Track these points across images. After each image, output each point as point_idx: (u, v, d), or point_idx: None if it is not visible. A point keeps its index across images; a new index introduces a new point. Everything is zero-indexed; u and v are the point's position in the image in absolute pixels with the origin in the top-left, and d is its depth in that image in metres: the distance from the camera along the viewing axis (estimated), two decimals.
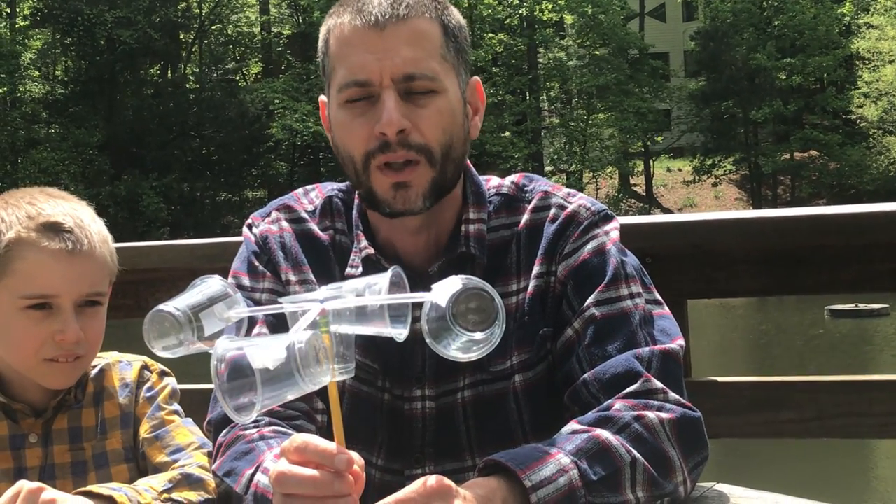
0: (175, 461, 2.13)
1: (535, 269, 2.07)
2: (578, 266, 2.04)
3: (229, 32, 52.52)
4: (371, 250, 2.08)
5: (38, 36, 48.90)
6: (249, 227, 2.22)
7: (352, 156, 2.01)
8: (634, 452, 1.77)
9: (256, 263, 2.16)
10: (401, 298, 1.52)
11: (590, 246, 2.05)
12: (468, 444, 2.07)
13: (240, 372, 1.41)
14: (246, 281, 2.14)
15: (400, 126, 1.94)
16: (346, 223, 2.17)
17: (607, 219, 2.10)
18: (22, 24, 47.66)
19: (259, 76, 52.34)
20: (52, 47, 49.97)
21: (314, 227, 2.17)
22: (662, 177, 53.74)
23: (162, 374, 2.31)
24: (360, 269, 2.07)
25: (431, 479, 1.54)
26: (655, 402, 1.87)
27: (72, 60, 50.22)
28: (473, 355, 1.46)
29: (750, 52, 49.05)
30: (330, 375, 1.46)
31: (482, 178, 2.19)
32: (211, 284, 1.64)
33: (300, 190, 2.27)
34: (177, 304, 1.57)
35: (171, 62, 51.43)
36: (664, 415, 1.85)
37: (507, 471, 1.67)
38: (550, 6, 48.55)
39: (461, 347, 1.46)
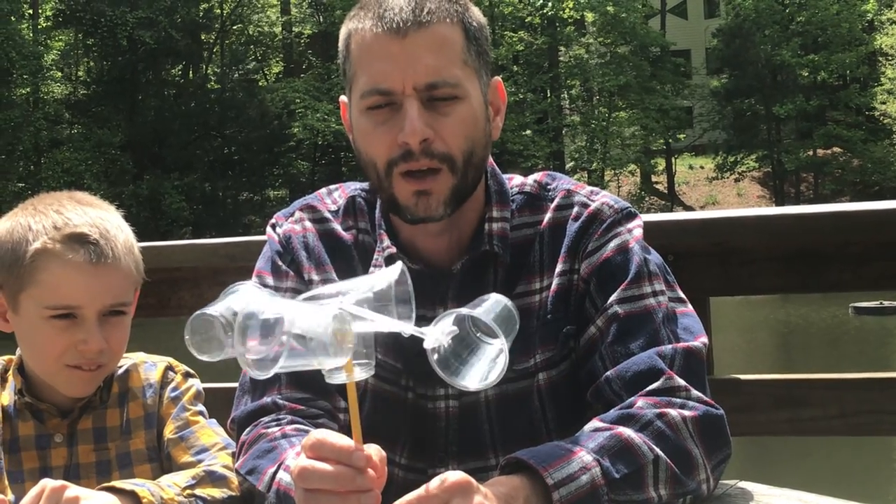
0: (200, 461, 2.14)
1: (559, 267, 2.07)
2: (601, 264, 2.04)
3: (250, 32, 52.59)
4: (394, 249, 2.08)
5: (61, 37, 49.11)
6: (273, 227, 2.23)
7: (374, 162, 2.01)
8: (657, 450, 1.77)
9: (280, 263, 2.16)
10: (405, 328, 1.57)
11: (613, 244, 2.05)
12: (491, 442, 2.07)
13: (269, 330, 1.45)
14: (270, 280, 2.15)
15: (423, 136, 1.93)
16: (368, 223, 2.17)
17: (630, 216, 2.10)
18: (44, 24, 47.89)
19: (280, 76, 52.42)
20: (74, 48, 50.16)
21: (337, 226, 2.18)
22: (684, 174, 53.54)
23: (186, 375, 2.32)
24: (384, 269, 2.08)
25: (453, 476, 1.54)
26: (678, 400, 1.87)
27: (94, 61, 50.40)
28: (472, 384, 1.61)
29: (773, 49, 48.84)
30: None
31: (505, 176, 2.19)
32: (250, 293, 1.64)
33: (324, 190, 2.28)
34: (222, 311, 1.57)
35: (192, 62, 51.53)
36: (686, 412, 1.84)
37: (529, 468, 1.67)
38: (572, 4, 48.45)
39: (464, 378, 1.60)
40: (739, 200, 50.56)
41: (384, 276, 1.57)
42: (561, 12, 48.75)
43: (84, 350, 2.13)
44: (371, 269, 2.10)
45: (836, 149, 50.41)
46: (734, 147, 51.63)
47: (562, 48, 51.62)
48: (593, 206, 2.10)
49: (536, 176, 2.20)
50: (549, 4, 48.43)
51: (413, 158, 1.95)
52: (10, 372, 2.27)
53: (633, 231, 2.08)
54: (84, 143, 45.31)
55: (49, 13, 48.20)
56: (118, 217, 2.26)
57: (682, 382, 1.89)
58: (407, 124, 1.93)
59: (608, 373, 1.95)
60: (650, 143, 51.09)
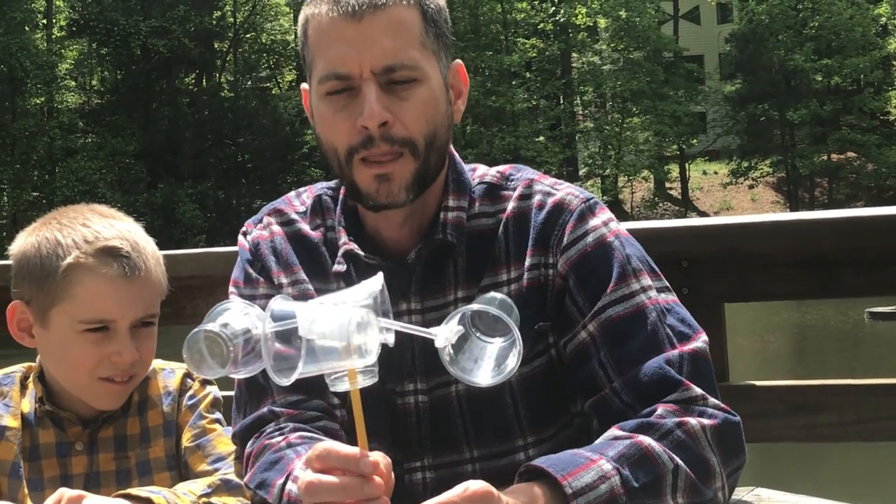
0: (216, 470, 2.14)
1: (529, 260, 2.04)
2: (580, 260, 2.01)
3: (263, 41, 52.75)
4: (350, 245, 2.06)
5: (74, 46, 49.32)
6: (244, 234, 2.21)
7: (335, 149, 1.99)
8: (677, 459, 1.76)
9: (250, 271, 2.15)
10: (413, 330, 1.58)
11: (590, 239, 2.01)
12: (465, 436, 2.04)
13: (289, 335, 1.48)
14: (244, 289, 2.14)
15: (382, 119, 1.91)
16: (335, 220, 2.16)
17: (597, 206, 2.07)
18: (58, 34, 48.09)
19: (293, 84, 52.54)
20: (88, 57, 50.39)
21: (305, 226, 2.17)
22: (698, 180, 53.49)
23: (204, 383, 2.33)
24: (345, 266, 2.06)
25: (474, 485, 1.54)
26: (697, 408, 1.85)
27: (108, 70, 50.62)
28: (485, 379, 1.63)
29: (787, 54, 48.78)
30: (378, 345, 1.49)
31: (469, 166, 2.18)
32: (240, 309, 1.65)
33: (293, 193, 2.27)
34: (223, 329, 1.58)
35: (205, 71, 51.71)
36: (706, 421, 1.83)
37: (548, 477, 1.66)
38: (584, 10, 48.48)
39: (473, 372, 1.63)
40: (753, 206, 50.48)
41: (366, 289, 1.57)
42: (573, 18, 48.84)
43: (118, 361, 2.14)
44: (335, 266, 2.08)
45: (850, 153, 50.31)
46: (748, 152, 51.57)
47: (574, 54, 51.69)
48: (557, 195, 2.07)
49: (501, 167, 2.18)
50: (562, 11, 48.48)
51: (373, 145, 1.93)
52: (31, 380, 2.27)
53: (610, 224, 2.04)
54: (98, 151, 45.53)
55: (63, 23, 48.44)
56: (140, 228, 2.28)
57: (698, 391, 1.87)
58: (366, 108, 1.91)
59: (614, 383, 1.92)
60: (664, 148, 51.07)
